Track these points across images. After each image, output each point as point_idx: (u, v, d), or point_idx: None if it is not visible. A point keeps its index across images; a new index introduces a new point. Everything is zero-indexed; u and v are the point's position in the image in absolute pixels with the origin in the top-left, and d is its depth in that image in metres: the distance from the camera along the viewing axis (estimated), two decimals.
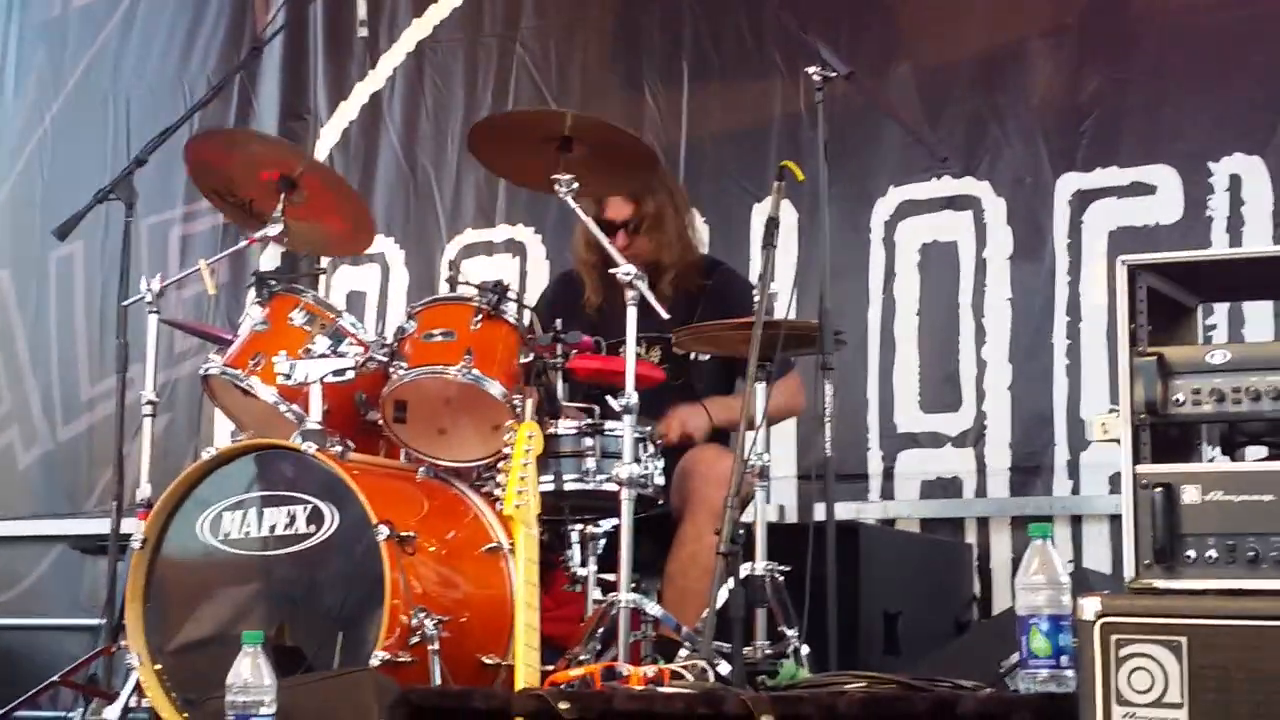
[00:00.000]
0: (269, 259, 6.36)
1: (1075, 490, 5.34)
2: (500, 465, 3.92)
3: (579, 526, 4.33)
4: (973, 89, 5.72)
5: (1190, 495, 3.08)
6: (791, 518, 5.57)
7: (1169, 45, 5.45)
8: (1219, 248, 5.14)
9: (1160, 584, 3.05)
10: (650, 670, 3.57)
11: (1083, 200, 5.48)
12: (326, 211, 4.89)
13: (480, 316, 4.32)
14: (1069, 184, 5.51)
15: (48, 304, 7.22)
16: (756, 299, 4.02)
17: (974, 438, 5.54)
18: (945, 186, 5.71)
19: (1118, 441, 3.17)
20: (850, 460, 5.53)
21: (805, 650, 4.00)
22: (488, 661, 4.09)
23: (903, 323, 5.73)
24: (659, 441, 4.29)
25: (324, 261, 6.38)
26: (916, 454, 5.63)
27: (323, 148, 6.80)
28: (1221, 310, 5.04)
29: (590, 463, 4.22)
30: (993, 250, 5.63)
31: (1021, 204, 5.60)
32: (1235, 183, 5.26)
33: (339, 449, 4.18)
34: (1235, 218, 5.24)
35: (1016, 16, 5.71)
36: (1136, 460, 3.13)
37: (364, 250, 5.41)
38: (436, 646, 3.94)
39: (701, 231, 5.80)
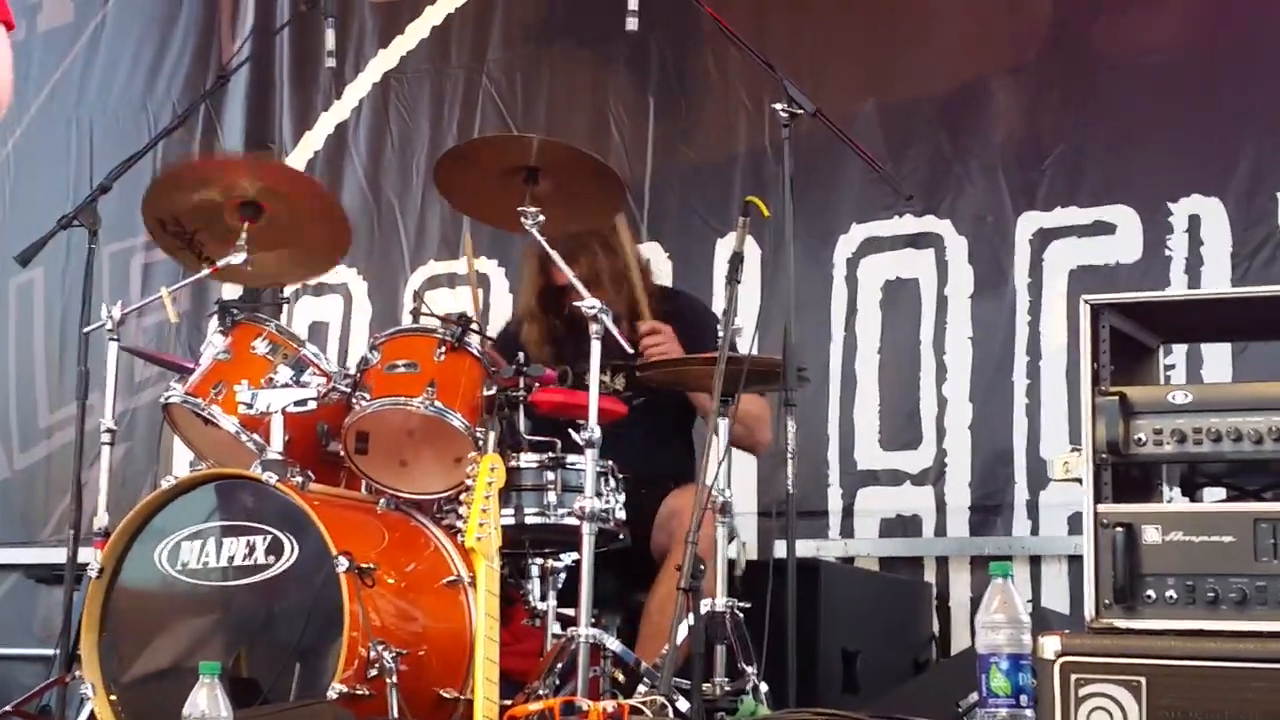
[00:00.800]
0: (231, 288, 6.34)
1: (1034, 530, 5.34)
2: (462, 497, 3.90)
3: (539, 560, 4.32)
4: (935, 127, 5.75)
5: (1151, 535, 3.10)
6: (752, 555, 5.56)
7: (1129, 85, 5.48)
8: (1178, 287, 5.17)
9: (1120, 623, 3.07)
10: (610, 706, 3.56)
11: (1043, 239, 5.51)
12: (293, 231, 4.85)
13: (444, 348, 4.31)
14: (1030, 223, 5.54)
15: (6, 331, 7.17)
16: (720, 334, 4.03)
17: (934, 476, 5.55)
18: (907, 224, 5.73)
19: (1079, 480, 3.18)
20: (811, 497, 5.53)
21: (764, 688, 4.00)
22: (446, 695, 4.06)
23: (864, 360, 5.74)
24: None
25: (287, 291, 6.36)
26: (876, 491, 5.63)
27: None
28: (1180, 351, 5.06)
29: (551, 496, 4.22)
30: (954, 288, 5.64)
31: (983, 242, 5.62)
32: (1194, 223, 5.29)
33: (300, 479, 4.16)
34: (1194, 258, 5.27)
35: (979, 55, 5.74)
36: (1098, 499, 3.15)
37: (340, 257, 5.35)
38: (395, 679, 3.91)
39: (663, 265, 5.82)
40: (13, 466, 7.02)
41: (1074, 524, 5.08)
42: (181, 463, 5.91)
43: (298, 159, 6.81)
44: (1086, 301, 3.24)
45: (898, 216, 5.74)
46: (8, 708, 4.72)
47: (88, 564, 4.35)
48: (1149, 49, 5.49)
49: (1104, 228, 5.43)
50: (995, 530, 5.42)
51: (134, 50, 7.16)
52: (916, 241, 5.72)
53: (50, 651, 5.07)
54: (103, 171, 5.31)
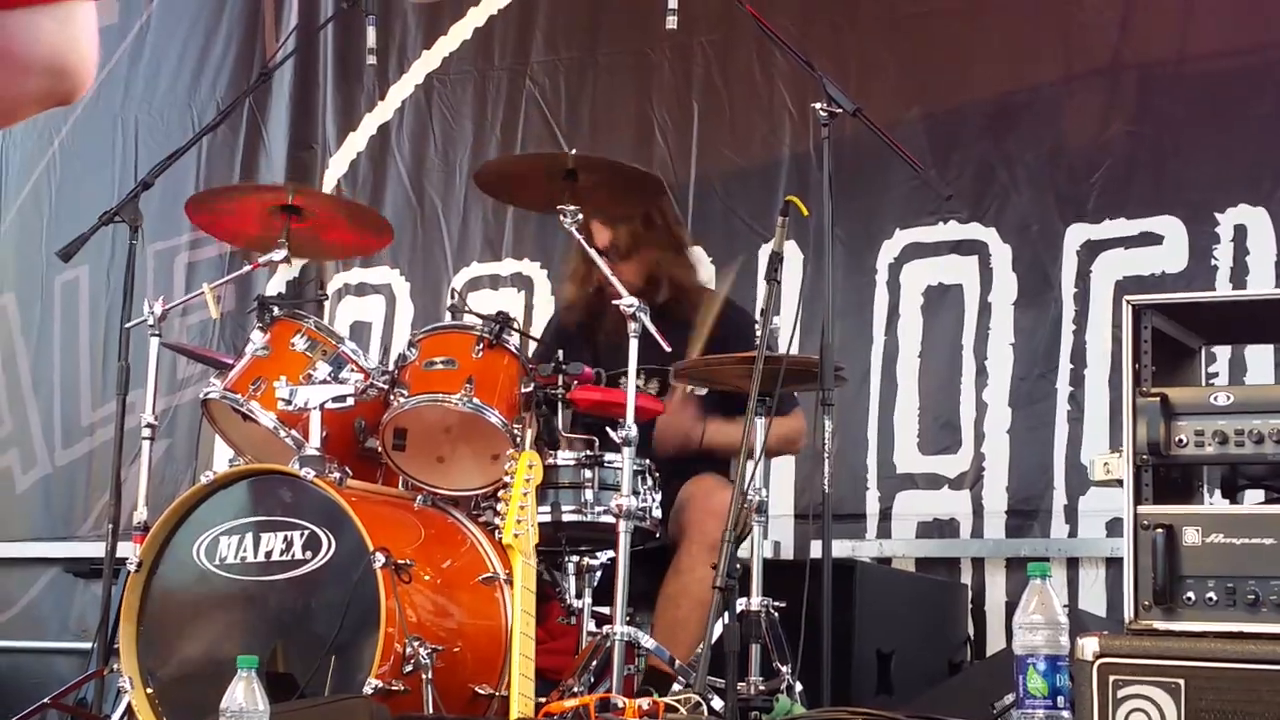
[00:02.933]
0: (275, 285, 6.37)
1: (1073, 534, 5.32)
2: (499, 494, 3.91)
3: (575, 558, 4.32)
4: (981, 135, 5.73)
5: (1191, 537, 3.08)
6: (788, 554, 5.56)
7: (1176, 95, 5.46)
8: None
9: (1159, 625, 3.04)
10: (645, 703, 3.56)
11: (1091, 251, 5.48)
12: (334, 223, 4.91)
13: (482, 345, 4.31)
14: (1078, 234, 5.52)
15: (51, 328, 7.22)
16: (759, 332, 4.02)
17: (971, 480, 5.53)
18: (951, 231, 5.72)
19: (1119, 482, 3.16)
20: (848, 500, 5.52)
21: (799, 687, 3.99)
22: (481, 691, 4.07)
23: (905, 364, 5.72)
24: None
25: (329, 289, 6.39)
26: (914, 495, 5.62)
27: (330, 178, 6.81)
28: (1223, 355, 5.04)
29: (588, 494, 4.21)
30: (997, 295, 5.63)
31: (1027, 251, 5.60)
32: (1240, 233, 5.27)
33: (337, 475, 4.16)
34: (1239, 267, 5.25)
35: (1028, 65, 5.72)
36: (1138, 501, 3.13)
37: (385, 244, 5.40)
38: (430, 675, 3.91)
39: (707, 269, 5.82)
40: (55, 462, 7.06)
41: (1112, 529, 5.06)
42: (222, 460, 5.93)
43: (341, 160, 6.83)
44: (1129, 302, 3.22)
45: (942, 223, 5.72)
46: (46, 700, 4.75)
47: (126, 558, 4.37)
48: (1195, 59, 5.47)
49: (1151, 238, 5.40)
50: (1032, 534, 5.39)
51: (179, 49, 7.20)
52: (960, 248, 5.70)
53: (88, 645, 5.10)
54: (147, 170, 5.32)
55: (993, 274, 5.65)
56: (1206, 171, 5.37)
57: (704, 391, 4.72)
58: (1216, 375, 5.01)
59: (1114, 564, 4.97)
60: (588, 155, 4.46)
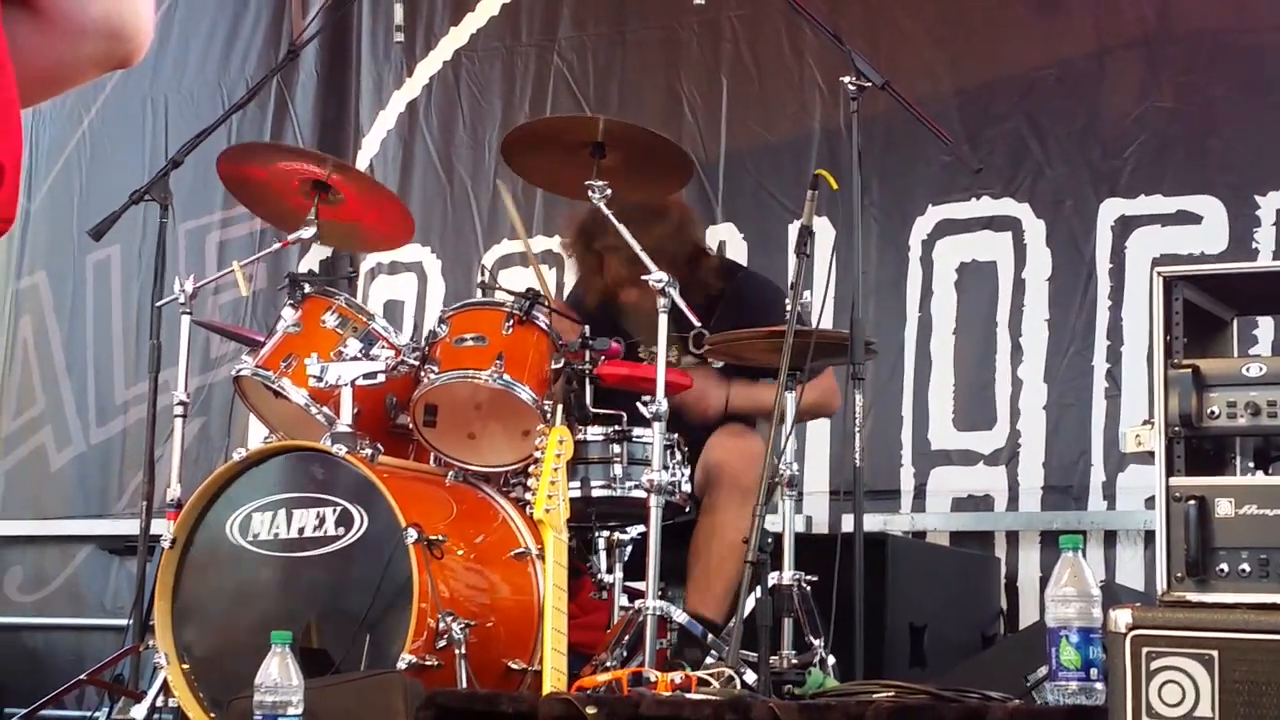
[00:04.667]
0: (306, 263, 6.37)
1: (1110, 509, 5.30)
2: (530, 470, 3.91)
3: (605, 533, 4.32)
4: (1014, 110, 5.70)
5: (1224, 509, 3.06)
6: (821, 529, 5.55)
7: (1217, 73, 5.41)
8: None
9: (1192, 597, 3.03)
10: (677, 676, 3.56)
11: (1125, 226, 5.45)
12: (363, 210, 4.92)
13: (512, 322, 4.32)
14: (1112, 209, 5.49)
15: (84, 307, 7.24)
16: (788, 306, 4.01)
17: (1007, 456, 5.51)
18: (985, 207, 5.70)
19: (1151, 454, 3.15)
20: (883, 476, 5.50)
21: (831, 660, 3.98)
22: (514, 666, 4.08)
23: (939, 341, 5.70)
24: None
25: (361, 268, 6.40)
26: (949, 471, 5.60)
27: (363, 158, 6.80)
28: (1267, 324, 5.00)
29: (618, 469, 4.21)
30: (1031, 271, 5.60)
31: (1062, 227, 5.57)
32: None
33: (369, 452, 4.17)
34: None
35: (1061, 39, 5.69)
36: (1170, 473, 3.11)
37: (404, 243, 5.40)
38: (463, 650, 3.92)
39: (738, 246, 5.82)
40: (89, 441, 7.08)
41: (1151, 505, 5.01)
42: (256, 438, 5.94)
43: (373, 139, 6.83)
44: (1160, 274, 3.20)
45: (975, 199, 5.70)
46: (83, 676, 4.79)
47: (160, 535, 4.39)
48: (1238, 33, 5.42)
49: (1189, 217, 5.37)
50: (1068, 509, 5.37)
51: (208, 28, 7.19)
52: (993, 224, 5.68)
53: (123, 622, 5.12)
54: (177, 148, 5.34)
55: (1026, 250, 5.62)
56: (1248, 152, 5.33)
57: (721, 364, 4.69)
58: (1256, 343, 4.99)
59: (1151, 538, 4.94)
60: (616, 121, 4.45)
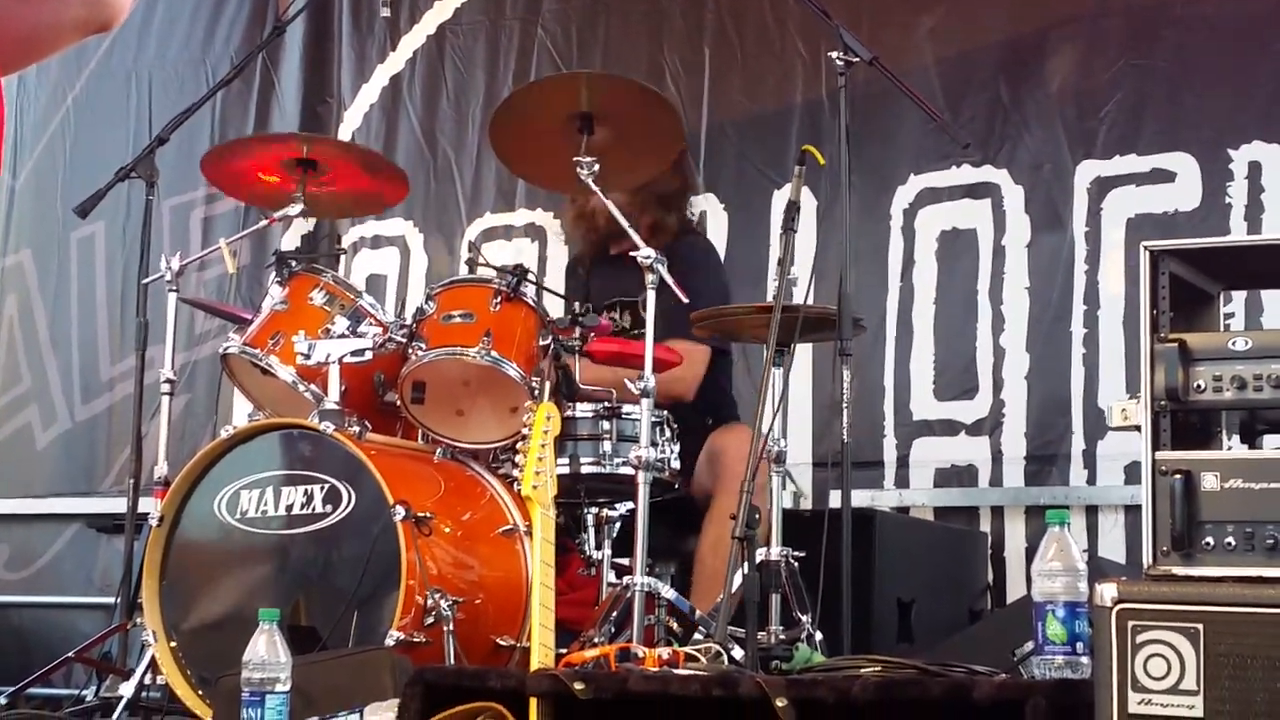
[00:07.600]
0: (290, 240, 6.36)
1: (1091, 480, 5.31)
2: (518, 446, 3.91)
3: (594, 510, 4.33)
4: (992, 77, 5.70)
5: (1209, 482, 3.06)
6: (806, 504, 5.56)
7: (1189, 32, 5.42)
8: (1238, 235, 5.12)
9: (1178, 571, 3.04)
10: (665, 653, 3.57)
11: (1101, 187, 5.46)
12: (351, 177, 4.93)
13: (499, 298, 4.32)
14: (1088, 171, 5.49)
15: (69, 284, 7.22)
16: (775, 283, 4.01)
17: (990, 426, 5.52)
18: (965, 174, 5.70)
19: (1137, 428, 3.16)
20: (866, 448, 5.51)
21: (819, 636, 4.00)
22: (502, 643, 4.10)
23: (920, 310, 5.71)
24: None
25: (344, 242, 6.40)
26: (931, 442, 5.61)
27: (345, 131, 6.79)
28: (1239, 298, 5.02)
29: (606, 446, 4.22)
30: (1011, 238, 5.61)
31: (1040, 191, 5.58)
32: (1255, 170, 5.23)
33: (357, 429, 4.18)
34: (1254, 205, 5.22)
35: (1037, 4, 5.69)
36: (1156, 447, 3.11)
37: (402, 198, 5.39)
38: (451, 627, 3.95)
39: (719, 217, 5.82)
40: (74, 418, 7.08)
41: (1131, 474, 5.05)
42: (241, 415, 5.94)
43: (355, 113, 6.82)
44: (1146, 248, 3.20)
45: (955, 167, 5.70)
46: (70, 654, 4.79)
47: (148, 513, 4.40)
48: None
49: (1163, 175, 5.38)
50: (1051, 480, 5.38)
51: (192, 4, 7.17)
52: (974, 191, 5.69)
53: (111, 600, 5.13)
54: (161, 125, 5.33)
55: (1005, 217, 5.63)
56: (1220, 107, 5.34)
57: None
58: (1232, 316, 5.00)
59: (1133, 511, 4.96)
60: (600, 75, 4.43)
